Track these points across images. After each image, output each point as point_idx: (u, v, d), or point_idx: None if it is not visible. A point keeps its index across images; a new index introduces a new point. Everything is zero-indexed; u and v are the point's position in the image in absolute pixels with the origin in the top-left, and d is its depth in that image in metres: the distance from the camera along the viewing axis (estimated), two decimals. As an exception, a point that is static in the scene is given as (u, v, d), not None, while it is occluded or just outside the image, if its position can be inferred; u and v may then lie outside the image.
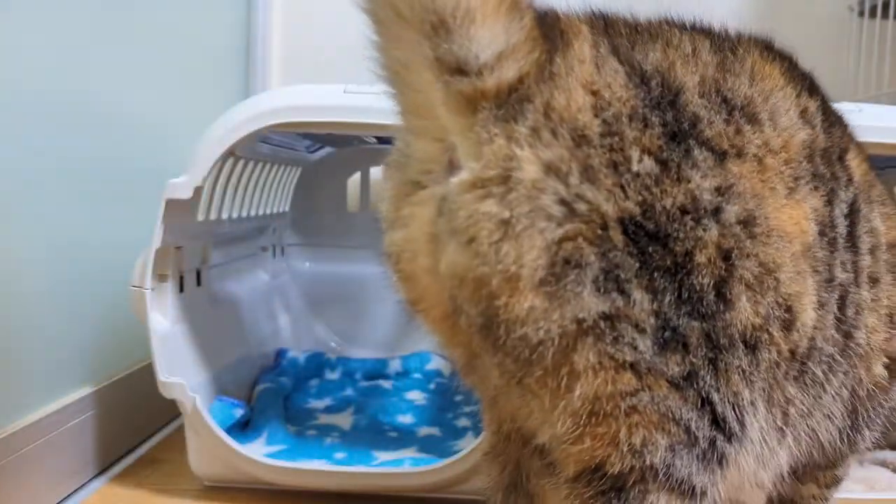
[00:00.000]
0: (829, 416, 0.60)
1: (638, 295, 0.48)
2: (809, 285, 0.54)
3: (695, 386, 0.50)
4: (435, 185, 0.52)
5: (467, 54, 0.47)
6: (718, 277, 0.49)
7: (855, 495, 0.92)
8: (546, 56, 0.49)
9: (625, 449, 0.49)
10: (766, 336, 0.51)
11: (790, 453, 0.59)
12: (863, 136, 0.88)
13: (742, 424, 0.51)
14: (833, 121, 0.62)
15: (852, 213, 0.60)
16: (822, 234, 0.55)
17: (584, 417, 0.50)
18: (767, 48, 0.60)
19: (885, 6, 1.46)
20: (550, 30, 0.51)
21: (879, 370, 0.63)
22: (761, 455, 0.55)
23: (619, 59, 0.51)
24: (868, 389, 0.63)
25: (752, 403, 0.52)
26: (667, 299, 0.48)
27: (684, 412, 0.50)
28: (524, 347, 0.49)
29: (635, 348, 0.48)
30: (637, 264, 0.48)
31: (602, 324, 0.48)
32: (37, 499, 0.91)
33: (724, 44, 0.57)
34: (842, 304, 0.57)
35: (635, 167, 0.48)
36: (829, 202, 0.57)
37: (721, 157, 0.51)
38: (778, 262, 0.52)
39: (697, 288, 0.49)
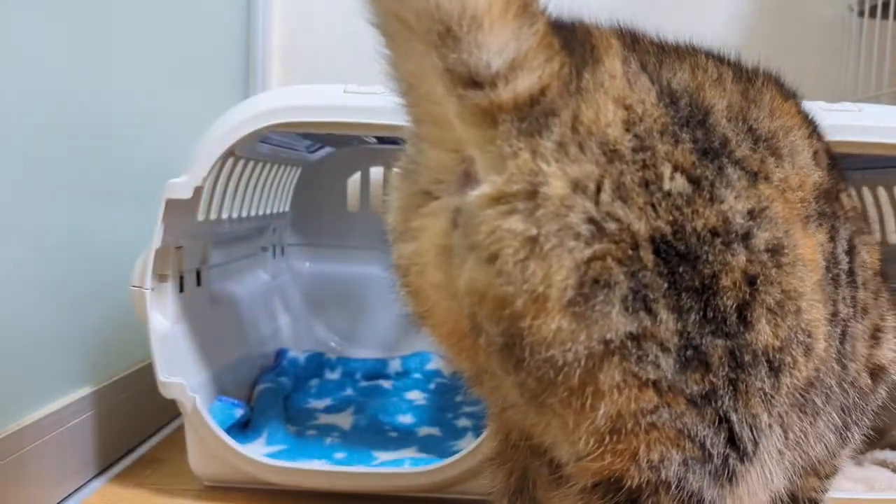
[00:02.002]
0: (820, 438, 0.61)
1: (664, 314, 0.47)
2: (823, 315, 0.54)
3: (713, 404, 0.49)
4: (447, 195, 0.51)
5: (478, 63, 0.46)
6: (742, 301, 0.49)
7: (855, 495, 0.92)
8: (573, 70, 0.48)
9: (644, 465, 0.49)
10: (789, 359, 0.51)
11: (785, 474, 0.59)
12: (863, 136, 0.88)
13: (756, 445, 0.51)
14: (832, 163, 0.63)
15: (851, 250, 0.61)
16: (827, 269, 0.56)
17: (606, 435, 0.49)
18: (781, 84, 0.60)
19: (885, 6, 1.46)
20: (580, 44, 0.50)
21: (865, 380, 0.65)
22: (763, 475, 0.55)
23: (650, 78, 0.50)
24: (855, 400, 0.64)
25: (770, 426, 0.52)
26: (692, 318, 0.48)
27: (700, 429, 0.49)
28: (549, 368, 0.48)
29: (658, 367, 0.47)
30: (665, 284, 0.47)
31: (629, 343, 0.47)
32: (37, 499, 0.91)
33: (743, 75, 0.57)
34: (843, 338, 0.58)
35: (667, 185, 0.47)
36: (832, 239, 0.57)
37: (753, 177, 0.51)
38: (800, 290, 0.51)
39: (721, 309, 0.48)
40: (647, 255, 0.47)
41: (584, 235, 0.46)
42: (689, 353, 0.48)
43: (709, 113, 0.51)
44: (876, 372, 0.67)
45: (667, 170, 0.48)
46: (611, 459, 0.49)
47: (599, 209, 0.46)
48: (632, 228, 0.47)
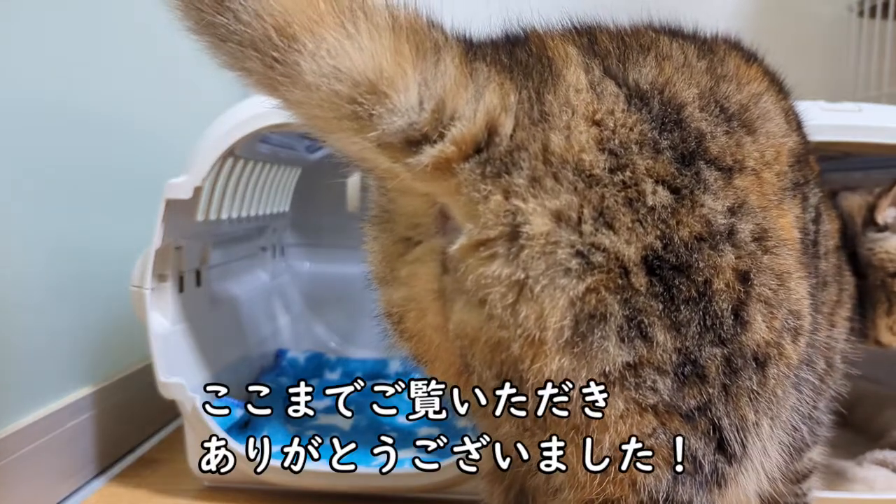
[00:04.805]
0: (800, 410, 0.61)
1: (661, 336, 0.46)
2: (806, 289, 0.54)
3: (707, 415, 0.49)
4: (428, 238, 0.50)
5: (402, 127, 0.44)
6: (737, 301, 0.48)
7: (855, 495, 0.92)
8: (532, 94, 0.46)
9: (641, 489, 0.49)
10: (775, 352, 0.51)
11: (779, 450, 0.59)
12: (863, 136, 0.88)
13: (744, 446, 0.51)
14: (800, 120, 0.62)
15: (817, 218, 0.61)
16: (801, 241, 0.55)
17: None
18: (741, 48, 0.59)
19: (885, 6, 1.46)
20: (537, 60, 0.48)
21: (822, 365, 0.66)
22: (757, 466, 0.55)
23: (616, 81, 0.48)
24: (824, 368, 0.66)
25: (756, 424, 0.52)
26: (690, 332, 0.47)
27: (693, 442, 0.49)
28: (552, 407, 0.47)
29: (656, 391, 0.47)
30: (661, 304, 0.46)
31: (627, 373, 0.46)
32: (37, 499, 0.91)
33: (705, 45, 0.55)
34: (814, 307, 0.58)
35: (650, 201, 0.46)
36: (804, 210, 0.57)
37: (728, 173, 0.50)
38: (789, 270, 0.51)
39: (718, 314, 0.47)
40: (640, 279, 0.46)
41: (575, 270, 0.45)
42: (686, 369, 0.47)
43: (682, 108, 0.49)
44: (829, 359, 0.68)
45: (648, 185, 0.46)
46: (611, 489, 0.49)
47: (584, 240, 0.45)
48: (619, 255, 0.45)
